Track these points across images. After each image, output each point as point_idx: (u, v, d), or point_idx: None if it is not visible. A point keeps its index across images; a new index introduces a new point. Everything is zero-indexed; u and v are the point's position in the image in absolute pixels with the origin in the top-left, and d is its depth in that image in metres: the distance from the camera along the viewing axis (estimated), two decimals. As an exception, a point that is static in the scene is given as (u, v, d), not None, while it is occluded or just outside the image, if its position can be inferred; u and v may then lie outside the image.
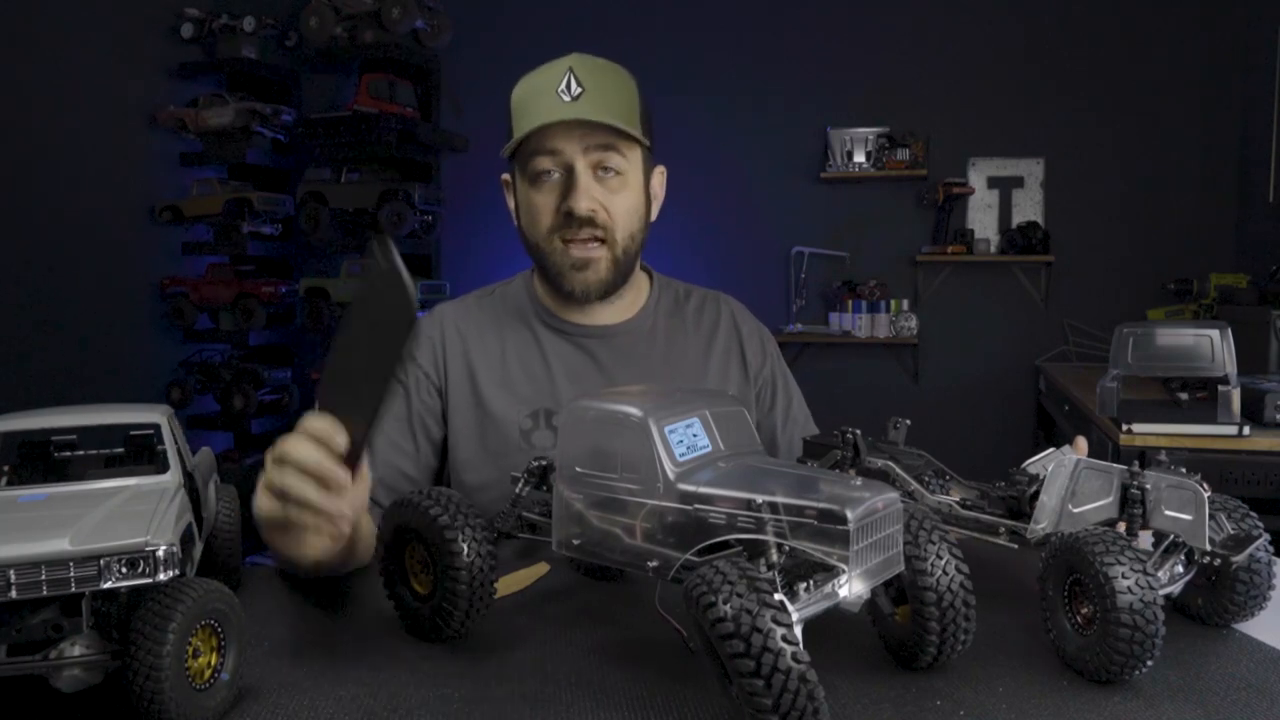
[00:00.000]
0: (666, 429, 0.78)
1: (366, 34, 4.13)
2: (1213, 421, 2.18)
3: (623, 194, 1.36)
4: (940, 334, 4.67)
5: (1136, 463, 0.93)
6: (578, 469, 0.82)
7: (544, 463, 0.95)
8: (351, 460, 0.90)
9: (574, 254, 1.36)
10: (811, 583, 0.69)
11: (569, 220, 1.33)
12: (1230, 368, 1.96)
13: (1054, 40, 4.49)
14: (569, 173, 1.32)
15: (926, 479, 1.01)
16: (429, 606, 0.90)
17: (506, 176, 1.46)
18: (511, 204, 1.45)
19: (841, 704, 0.77)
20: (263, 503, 0.95)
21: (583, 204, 1.31)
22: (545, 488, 0.95)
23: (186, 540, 0.77)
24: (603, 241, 1.36)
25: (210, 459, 1.02)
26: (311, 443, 0.89)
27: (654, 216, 1.48)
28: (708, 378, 1.49)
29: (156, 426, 0.89)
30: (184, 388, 4.21)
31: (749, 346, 1.55)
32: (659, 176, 1.49)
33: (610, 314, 1.47)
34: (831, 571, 0.69)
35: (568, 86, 1.30)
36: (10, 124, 3.51)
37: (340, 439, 0.88)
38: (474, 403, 1.43)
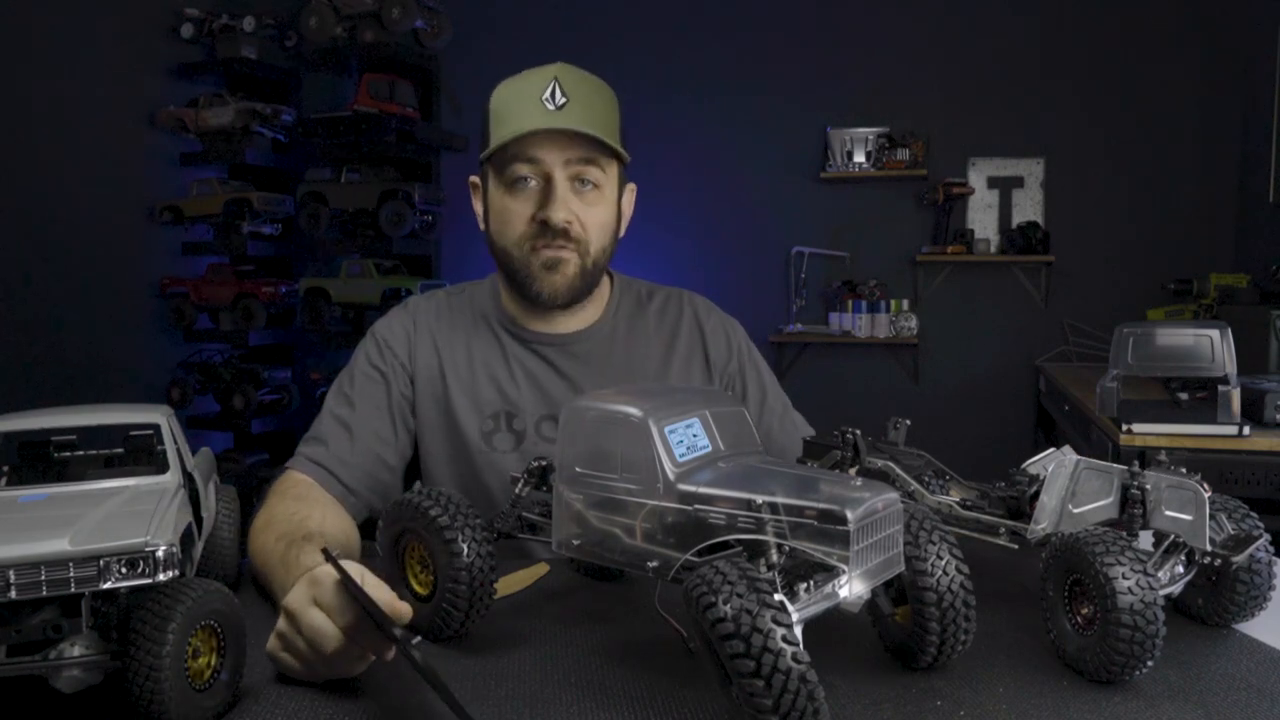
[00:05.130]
0: (666, 429, 0.78)
1: (366, 34, 4.12)
2: (1213, 421, 2.18)
3: (598, 208, 1.37)
4: (940, 334, 4.67)
5: (1136, 463, 0.93)
6: (578, 469, 0.82)
7: (544, 463, 0.95)
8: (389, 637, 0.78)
9: (544, 254, 1.35)
10: (811, 583, 0.69)
11: (544, 229, 1.34)
12: (1230, 368, 1.96)
13: (1054, 40, 4.49)
14: (547, 182, 1.33)
15: (926, 479, 1.01)
16: (429, 606, 0.90)
17: (475, 179, 1.46)
18: (479, 208, 1.45)
19: (841, 704, 0.77)
20: (287, 664, 0.84)
21: (559, 214, 1.32)
22: (545, 488, 0.95)
23: (186, 540, 0.77)
24: (574, 250, 1.37)
25: (210, 459, 1.02)
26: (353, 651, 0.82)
27: (622, 233, 1.49)
28: (669, 379, 1.50)
29: (156, 426, 0.89)
30: (184, 388, 4.20)
31: (712, 343, 1.54)
32: (629, 195, 1.49)
33: (571, 322, 1.48)
34: (832, 572, 0.69)
35: (552, 95, 1.30)
36: (10, 124, 3.50)
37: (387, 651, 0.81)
38: (440, 398, 1.44)
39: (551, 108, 1.30)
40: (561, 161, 1.32)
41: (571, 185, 1.34)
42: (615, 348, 1.50)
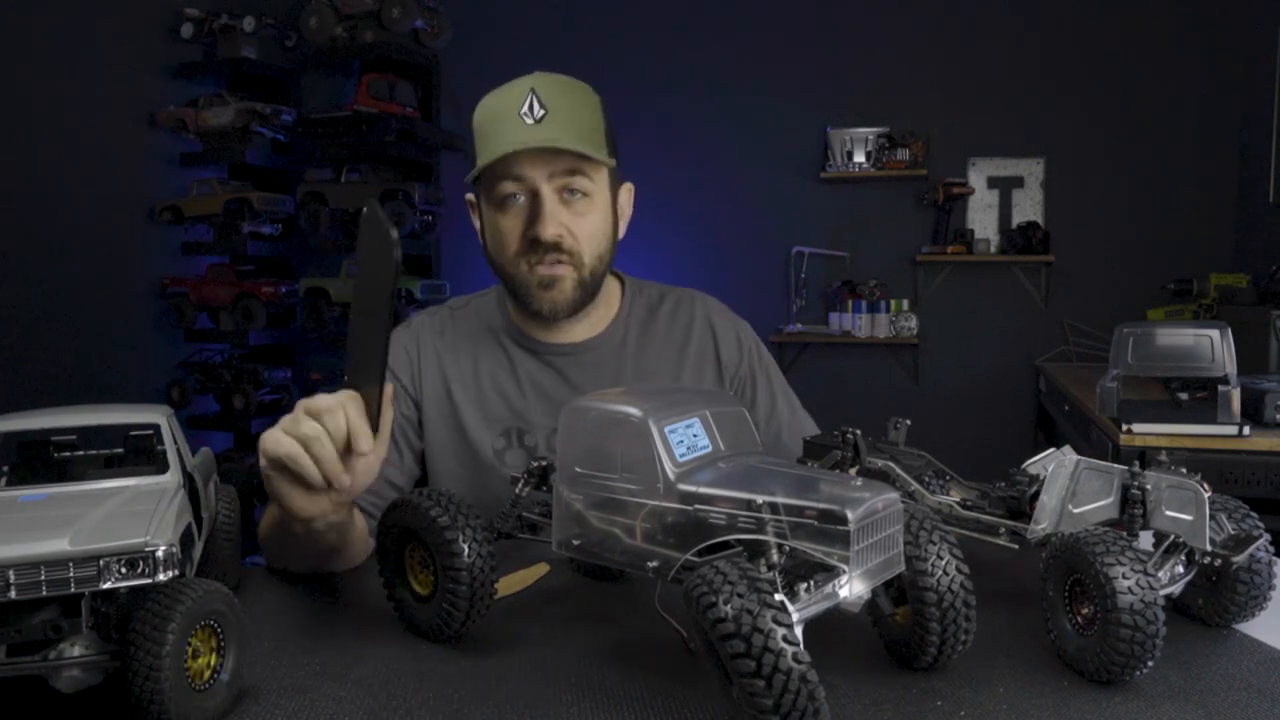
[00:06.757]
0: (666, 429, 0.78)
1: (366, 34, 4.13)
2: (1213, 421, 2.18)
3: (589, 216, 1.35)
4: (940, 334, 4.67)
5: (1137, 463, 0.93)
6: (577, 469, 0.82)
7: (544, 463, 0.95)
8: (371, 425, 0.96)
9: (540, 272, 1.34)
10: (812, 583, 0.69)
11: (535, 245, 1.32)
12: (1230, 368, 1.96)
13: (1054, 40, 4.49)
14: (535, 197, 1.31)
15: (926, 479, 1.01)
16: (429, 607, 0.90)
17: (471, 197, 1.44)
18: (477, 224, 1.44)
19: (841, 704, 0.77)
20: (277, 437, 0.95)
21: (549, 230, 1.31)
22: (545, 488, 0.95)
23: (186, 540, 0.77)
24: (569, 264, 1.35)
25: (210, 459, 1.02)
26: (344, 417, 0.94)
27: (621, 234, 1.47)
28: (681, 384, 1.49)
29: (156, 427, 0.89)
30: (184, 388, 4.21)
31: (724, 344, 1.53)
32: (626, 194, 1.47)
33: (580, 331, 1.47)
34: (832, 572, 0.69)
35: (530, 108, 1.28)
36: (10, 124, 3.50)
37: (364, 440, 0.94)
38: (450, 418, 1.44)
39: (530, 121, 1.28)
40: (546, 175, 1.30)
41: (560, 196, 1.32)
42: (626, 355, 1.48)
